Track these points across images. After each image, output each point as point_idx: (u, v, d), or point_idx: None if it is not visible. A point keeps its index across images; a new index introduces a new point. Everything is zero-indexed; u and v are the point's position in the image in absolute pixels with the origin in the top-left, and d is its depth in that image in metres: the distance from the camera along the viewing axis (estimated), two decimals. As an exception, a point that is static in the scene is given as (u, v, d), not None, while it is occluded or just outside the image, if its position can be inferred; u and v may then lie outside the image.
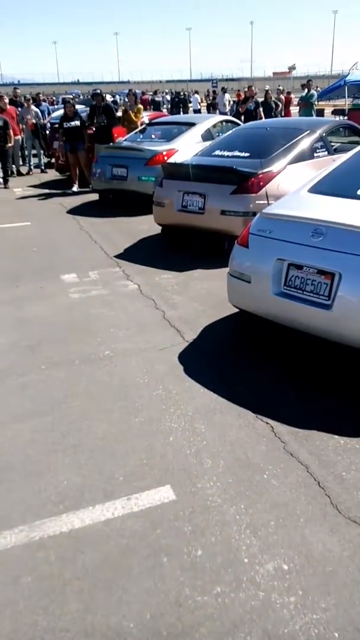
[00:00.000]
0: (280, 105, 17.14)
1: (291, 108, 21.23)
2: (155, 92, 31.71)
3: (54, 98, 31.10)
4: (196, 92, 32.42)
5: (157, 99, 28.76)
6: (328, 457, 2.72)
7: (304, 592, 2.00)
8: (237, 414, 3.13)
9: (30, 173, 13.08)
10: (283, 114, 17.83)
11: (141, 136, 9.85)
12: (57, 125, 13.14)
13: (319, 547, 2.19)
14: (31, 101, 14.07)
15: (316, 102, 15.82)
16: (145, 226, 7.53)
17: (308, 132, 6.42)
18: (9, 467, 2.75)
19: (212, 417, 3.12)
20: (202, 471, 2.66)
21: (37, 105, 14.63)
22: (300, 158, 6.13)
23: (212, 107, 24.59)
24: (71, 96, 26.38)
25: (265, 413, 3.11)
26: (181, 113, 25.24)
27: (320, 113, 18.86)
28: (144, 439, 2.93)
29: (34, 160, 13.43)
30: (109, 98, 15.72)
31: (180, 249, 6.50)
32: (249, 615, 1.92)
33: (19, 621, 1.94)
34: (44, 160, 13.57)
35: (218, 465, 2.70)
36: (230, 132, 7.60)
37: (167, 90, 44.65)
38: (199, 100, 30.39)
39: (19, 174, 12.94)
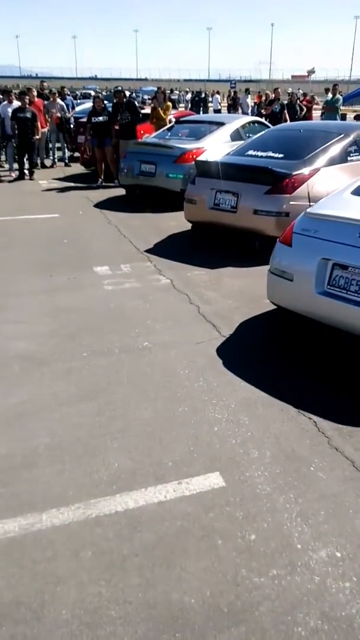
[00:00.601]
0: (305, 109, 17.17)
1: (313, 112, 21.19)
2: (171, 90, 31.79)
3: (76, 92, 31.22)
4: (217, 92, 32.44)
5: (173, 97, 28.83)
6: (372, 453, 2.79)
7: (358, 578, 2.07)
8: (279, 408, 3.19)
9: (55, 166, 13.18)
10: (305, 118, 17.82)
11: (169, 134, 9.93)
12: (82, 120, 13.32)
13: (369, 538, 2.25)
14: (57, 95, 14.18)
15: (341, 107, 15.81)
16: (174, 222, 7.60)
17: (342, 135, 6.46)
18: (60, 448, 2.84)
19: (255, 410, 3.19)
20: (249, 460, 2.73)
21: (62, 99, 14.73)
22: (334, 161, 6.18)
23: (232, 108, 24.63)
24: (93, 92, 26.56)
25: (307, 408, 3.17)
26: (201, 112, 25.31)
27: (343, 118, 18.87)
28: (189, 428, 3.01)
29: (58, 154, 13.54)
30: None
31: (209, 246, 6.57)
32: (306, 597, 1.99)
33: (83, 592, 2.02)
34: (68, 154, 13.68)
35: (265, 456, 2.77)
36: (263, 132, 7.66)
37: (187, 89, 44.74)
38: (219, 101, 30.44)
39: (43, 166, 13.04)
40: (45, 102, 13.43)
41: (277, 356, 3.87)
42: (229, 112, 24.62)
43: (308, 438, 2.91)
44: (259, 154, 6.60)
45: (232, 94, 26.76)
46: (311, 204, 4.75)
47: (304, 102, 20.80)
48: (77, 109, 15.96)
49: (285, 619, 1.92)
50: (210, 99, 29.34)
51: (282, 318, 4.29)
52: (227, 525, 2.33)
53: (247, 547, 2.21)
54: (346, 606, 1.96)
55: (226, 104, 28.91)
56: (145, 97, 32.95)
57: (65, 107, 13.84)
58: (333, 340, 3.89)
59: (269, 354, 3.90)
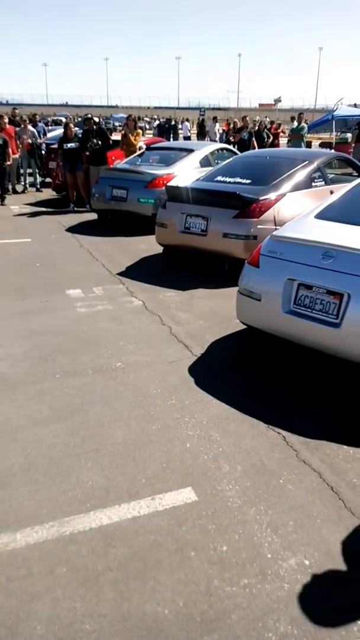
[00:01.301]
0: (272, 137, 17.72)
1: (280, 139, 21.85)
2: (139, 118, 32.35)
3: (48, 119, 31.50)
4: (187, 119, 33.20)
5: (140, 124, 29.33)
6: (339, 465, 2.89)
7: (326, 585, 2.14)
8: (249, 424, 3.28)
9: (26, 191, 13.25)
10: (273, 145, 18.36)
11: (139, 160, 10.13)
12: (53, 146, 13.47)
13: (336, 546, 2.34)
14: (28, 121, 14.35)
15: (306, 135, 16.36)
16: (145, 246, 7.73)
17: (307, 162, 6.73)
18: (34, 468, 2.86)
19: (226, 426, 3.27)
20: (220, 475, 2.80)
21: (34, 126, 14.89)
22: (299, 186, 6.42)
23: (200, 135, 25.19)
24: (64, 118, 26.85)
25: (276, 424, 3.27)
26: (171, 139, 25.81)
27: (308, 145, 19.50)
28: (162, 445, 3.07)
29: (29, 179, 13.63)
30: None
31: (180, 269, 6.70)
32: (276, 604, 2.06)
33: (58, 607, 2.04)
34: (40, 179, 13.78)
35: (235, 470, 2.84)
36: (231, 159, 7.89)
37: (155, 116, 45.54)
38: (189, 128, 31.11)
39: (15, 191, 13.09)
40: (17, 128, 13.57)
41: (247, 374, 3.97)
42: (197, 139, 25.21)
43: (277, 452, 3.00)
44: (228, 179, 6.81)
45: (201, 121, 27.43)
46: (277, 227, 4.92)
47: (271, 130, 21.52)
48: (49, 135, 16.15)
49: (256, 625, 1.97)
50: (180, 126, 29.97)
51: (251, 337, 4.41)
52: (199, 537, 2.38)
53: (219, 558, 2.27)
54: (314, 611, 2.03)
55: (195, 131, 29.60)
56: (117, 123, 33.48)
57: (36, 133, 13.98)
58: (300, 358, 4.02)
59: (239, 372, 4.00)
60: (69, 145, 10.57)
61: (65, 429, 3.22)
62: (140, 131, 12.15)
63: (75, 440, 3.11)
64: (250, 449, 3.03)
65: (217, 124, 23.39)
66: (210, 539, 2.38)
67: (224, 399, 3.56)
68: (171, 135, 27.64)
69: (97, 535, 2.40)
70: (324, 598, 2.08)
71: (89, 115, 11.76)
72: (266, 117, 39.08)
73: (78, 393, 3.65)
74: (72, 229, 9.09)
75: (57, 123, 27.61)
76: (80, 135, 10.91)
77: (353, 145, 15.90)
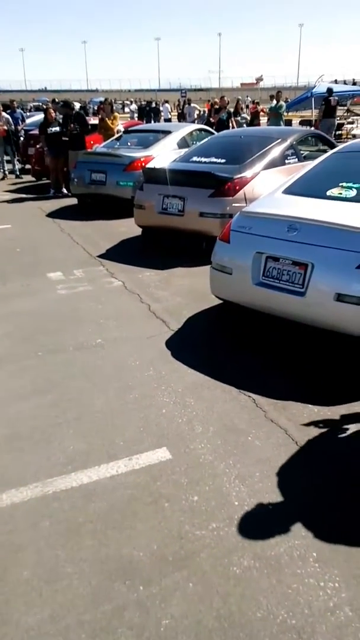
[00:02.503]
0: (249, 117, 17.82)
1: (261, 119, 21.88)
2: (114, 101, 32.03)
3: (27, 105, 31.15)
4: (166, 101, 32.98)
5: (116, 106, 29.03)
6: (303, 422, 3.09)
7: (287, 525, 2.35)
8: (222, 390, 3.48)
9: (5, 178, 13.25)
10: (255, 124, 18.42)
11: (118, 143, 10.19)
12: (32, 132, 13.45)
13: (298, 491, 2.54)
14: (1, 108, 14.28)
15: (285, 113, 16.43)
16: (124, 228, 7.85)
17: (280, 140, 6.87)
18: (18, 437, 3.03)
19: (200, 392, 3.46)
20: (193, 436, 3.00)
21: (12, 113, 14.82)
22: (272, 164, 6.57)
23: (182, 117, 25.11)
24: (42, 103, 26.61)
25: (247, 388, 3.47)
26: (152, 122, 25.70)
27: (288, 123, 19.56)
28: (139, 412, 3.25)
29: (7, 167, 13.62)
30: (77, 106, 15.94)
31: (159, 249, 6.85)
32: (241, 543, 2.26)
33: (41, 554, 2.24)
34: (19, 166, 13.77)
35: (208, 431, 3.04)
36: (206, 139, 8.01)
37: (132, 99, 45.02)
38: (169, 110, 30.95)
39: (-6, 179, 13.10)
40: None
41: (222, 345, 4.16)
42: (179, 120, 25.13)
43: (247, 413, 3.20)
44: (203, 159, 6.93)
45: (182, 103, 27.31)
46: (251, 204, 5.07)
47: (250, 109, 21.54)
48: (28, 121, 16.07)
49: (222, 561, 2.18)
50: (161, 108, 29.79)
51: (223, 311, 4.59)
52: (172, 490, 2.58)
53: (190, 507, 2.47)
54: (275, 547, 2.23)
55: (176, 113, 29.46)
56: (96, 108, 33.14)
57: (10, 120, 13.91)
58: (271, 327, 4.21)
59: (214, 344, 4.19)
60: (53, 129, 10.60)
61: (47, 402, 3.39)
62: (117, 115, 12.17)
63: (57, 411, 3.29)
64: (222, 412, 3.22)
65: (192, 104, 23.31)
66: (182, 491, 2.57)
67: (199, 369, 3.75)
68: (152, 118, 27.52)
69: (77, 492, 2.58)
70: (283, 535, 2.29)
71: (68, 100, 11.76)
72: (247, 96, 38.94)
73: (59, 369, 3.82)
74: (53, 214, 9.18)
75: (38, 109, 27.34)
76: (60, 120, 10.93)
77: (319, 121, 16.01)
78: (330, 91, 16.32)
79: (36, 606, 2.01)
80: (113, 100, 13.85)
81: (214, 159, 6.85)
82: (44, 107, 11.69)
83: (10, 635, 1.91)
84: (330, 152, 5.17)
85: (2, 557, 2.23)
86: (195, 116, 21.81)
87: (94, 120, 12.67)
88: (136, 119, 27.50)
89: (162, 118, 28.69)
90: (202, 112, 22.79)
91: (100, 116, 12.29)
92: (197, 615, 1.96)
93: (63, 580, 2.11)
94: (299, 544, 2.24)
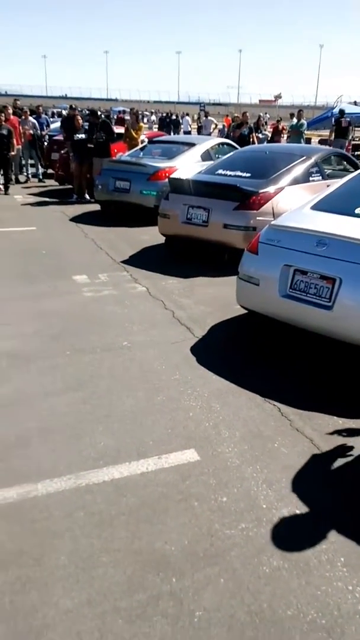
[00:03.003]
0: (269, 134, 18.07)
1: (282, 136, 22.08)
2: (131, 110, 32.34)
3: (51, 111, 31.63)
4: (187, 114, 33.34)
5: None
6: (329, 432, 3.17)
7: (314, 528, 2.42)
8: (247, 397, 3.56)
9: (29, 182, 13.47)
10: (275, 141, 18.61)
11: (142, 153, 10.37)
12: (56, 137, 13.69)
13: (324, 499, 2.62)
14: (29, 113, 14.56)
15: (305, 131, 16.62)
16: (147, 236, 7.98)
17: (305, 157, 7.00)
18: (50, 431, 3.12)
19: (226, 398, 3.54)
20: (220, 439, 3.08)
21: (38, 117, 15.10)
22: (297, 181, 6.69)
23: (201, 129, 25.36)
24: (64, 111, 27.00)
25: (272, 397, 3.55)
26: (172, 133, 25.98)
27: (308, 142, 19.76)
28: (167, 414, 3.34)
29: (31, 170, 13.85)
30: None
31: (182, 258, 6.96)
32: (269, 544, 2.34)
33: (77, 543, 2.32)
34: (42, 170, 13.99)
35: (234, 435, 3.12)
36: (231, 153, 8.15)
37: (152, 110, 45.50)
38: (189, 123, 31.29)
39: (17, 181, 13.31)
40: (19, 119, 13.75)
41: (246, 353, 4.25)
42: (198, 133, 25.40)
43: (273, 421, 3.28)
44: (228, 172, 7.06)
45: (202, 116, 27.60)
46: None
47: (271, 126, 21.74)
48: (52, 126, 16.33)
49: (252, 560, 2.25)
50: (181, 121, 30.12)
51: (249, 320, 4.68)
52: (202, 490, 2.66)
53: (219, 507, 2.55)
54: (303, 550, 2.31)
55: (196, 126, 29.78)
56: (116, 117, 33.56)
57: (37, 124, 14.17)
58: (295, 338, 4.29)
59: (238, 352, 4.28)
60: (79, 136, 10.81)
61: (77, 399, 3.49)
62: (142, 125, 12.39)
63: (87, 408, 3.38)
64: (247, 418, 3.31)
65: (210, 117, 23.55)
66: (211, 491, 2.65)
67: (224, 375, 3.83)
68: (172, 130, 27.82)
69: (109, 487, 2.67)
70: (311, 539, 2.36)
71: (94, 109, 12.01)
72: (266, 113, 39.26)
73: (88, 368, 3.92)
74: (76, 219, 9.33)
75: (59, 115, 27.72)
76: (86, 127, 11.14)
77: (332, 140, 16.32)
78: (342, 112, 17.05)
79: (74, 590, 2.09)
80: (137, 111, 14.04)
81: (239, 173, 6.97)
82: (71, 114, 11.87)
83: (50, 615, 1.99)
84: (358, 171, 5.27)
85: (40, 543, 2.32)
86: (212, 129, 22.00)
87: (118, 130, 12.89)
88: (155, 129, 27.80)
89: (182, 130, 29.02)
90: (222, 127, 23.02)
91: (125, 125, 12.48)
92: (230, 609, 2.03)
93: (99, 568, 2.19)
94: (326, 548, 2.31)
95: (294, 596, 2.09)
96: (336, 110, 20.27)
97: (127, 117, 24.21)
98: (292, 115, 18.13)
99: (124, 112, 30.72)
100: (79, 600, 2.05)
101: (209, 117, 23.47)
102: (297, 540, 2.36)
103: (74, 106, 12.46)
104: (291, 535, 2.38)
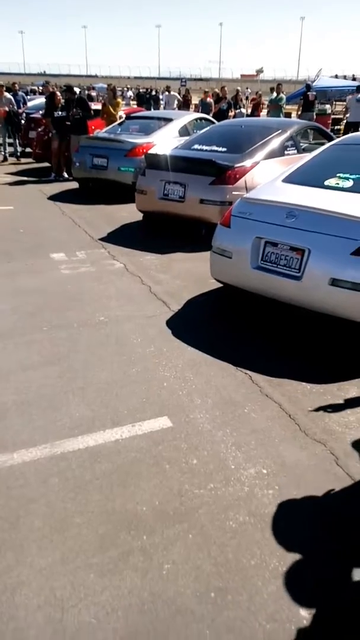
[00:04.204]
0: (244, 113, 18.03)
1: (261, 110, 21.92)
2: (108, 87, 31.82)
3: (27, 88, 30.97)
4: (168, 87, 32.81)
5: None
6: (297, 397, 3.28)
7: (279, 487, 2.54)
8: (220, 367, 3.66)
9: (6, 161, 13.29)
10: (255, 115, 18.53)
11: (119, 129, 10.28)
12: (33, 115, 13.50)
13: (291, 458, 2.74)
14: (4, 89, 14.28)
15: (284, 105, 16.55)
16: (125, 213, 7.98)
17: (280, 131, 7.02)
18: (27, 403, 3.20)
19: (199, 368, 3.63)
20: (193, 407, 3.18)
21: (14, 95, 14.82)
22: (272, 154, 6.72)
23: (183, 105, 25.03)
24: (40, 86, 26.52)
25: (244, 366, 3.65)
26: (152, 109, 25.62)
27: (287, 116, 19.68)
28: (141, 384, 3.42)
29: (9, 149, 13.66)
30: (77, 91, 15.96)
31: (160, 234, 6.99)
32: (237, 502, 2.45)
33: (51, 506, 2.41)
34: (20, 149, 13.80)
35: (206, 403, 3.22)
36: (208, 128, 8.13)
37: (129, 86, 44.65)
38: (178, 98, 30.77)
39: (-5, 161, 13.14)
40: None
41: (220, 325, 4.33)
42: (179, 109, 25.08)
43: (244, 388, 3.39)
44: (204, 147, 7.07)
45: (183, 92, 27.19)
46: (250, 192, 5.23)
47: (251, 100, 21.57)
48: (29, 104, 16.07)
49: (219, 517, 2.36)
50: (161, 97, 29.68)
51: (223, 293, 4.76)
52: (173, 454, 2.76)
53: (189, 469, 2.65)
54: (268, 506, 2.42)
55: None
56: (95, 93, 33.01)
57: (13, 100, 13.91)
58: (267, 309, 4.38)
59: (212, 324, 4.36)
60: (59, 113, 10.68)
61: (54, 372, 3.56)
62: (119, 101, 12.24)
63: (63, 381, 3.46)
64: (220, 386, 3.41)
65: (172, 93, 23.16)
66: (182, 455, 2.75)
67: (198, 347, 3.92)
68: (152, 106, 27.42)
69: (84, 454, 2.76)
70: (277, 495, 2.48)
71: (70, 85, 11.84)
72: (247, 88, 38.80)
73: (64, 343, 3.98)
74: (54, 197, 9.28)
75: (38, 92, 27.17)
76: (63, 104, 10.99)
77: (299, 114, 16.54)
78: (308, 87, 17.97)
79: (48, 549, 2.19)
80: (114, 87, 13.84)
81: (215, 148, 6.99)
82: (51, 90, 11.69)
83: (25, 573, 2.08)
84: (329, 144, 5.33)
85: (15, 508, 2.40)
86: (174, 105, 21.48)
87: (95, 106, 12.72)
88: (133, 105, 27.39)
89: (162, 106, 28.59)
90: (181, 102, 22.22)
91: (102, 102, 12.33)
92: (196, 561, 2.15)
93: (72, 529, 2.29)
94: (289, 503, 2.43)
95: (258, 547, 2.21)
96: (316, 84, 20.22)
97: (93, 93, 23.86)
98: (272, 90, 18.01)
99: (92, 88, 30.51)
100: (52, 559, 2.15)
101: (172, 93, 23.10)
102: (263, 498, 2.47)
103: (49, 82, 12.29)
104: (257, 493, 2.50)
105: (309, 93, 17.07)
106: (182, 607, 1.95)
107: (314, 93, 17.77)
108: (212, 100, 16.13)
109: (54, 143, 10.78)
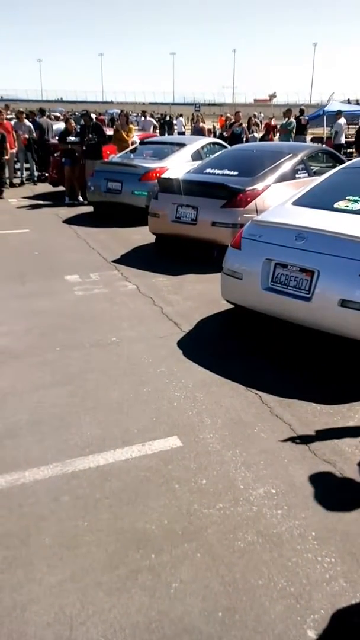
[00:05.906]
0: (257, 138, 18.34)
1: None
2: (129, 113, 32.62)
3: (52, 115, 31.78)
4: (181, 115, 33.49)
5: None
6: (307, 418, 3.29)
7: (288, 507, 2.54)
8: (230, 387, 3.68)
9: (23, 185, 13.59)
10: (266, 139, 18.76)
11: (132, 155, 10.50)
12: (55, 141, 13.82)
13: (300, 478, 2.74)
14: (24, 115, 14.67)
15: (294, 130, 16.72)
16: (139, 236, 8.10)
17: (291, 155, 7.12)
18: (39, 422, 3.25)
19: (209, 389, 3.66)
20: (203, 427, 3.20)
21: (33, 121, 15.21)
22: (283, 178, 6.81)
23: (196, 131, 25.46)
24: (62, 114, 27.18)
25: (254, 386, 3.67)
26: (166, 134, 26.11)
27: (316, 141, 20.01)
28: (152, 404, 3.46)
29: (26, 174, 13.97)
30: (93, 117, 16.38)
31: (172, 256, 7.09)
32: (245, 522, 2.46)
33: (62, 525, 2.44)
34: (37, 173, 14.10)
35: (216, 423, 3.24)
36: (220, 152, 8.28)
37: (137, 112, 45.58)
38: (183, 123, 31.41)
39: (12, 185, 13.44)
40: (12, 122, 13.89)
41: (231, 346, 4.37)
42: (192, 134, 25.51)
43: (254, 408, 3.40)
44: (216, 171, 7.19)
45: (196, 117, 27.72)
46: (261, 215, 5.30)
47: (264, 125, 21.86)
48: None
49: (228, 536, 2.37)
50: (174, 122, 30.27)
51: (234, 314, 4.80)
52: (182, 474, 2.78)
53: (198, 488, 2.67)
54: (277, 526, 2.43)
55: (190, 127, 29.89)
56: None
57: (32, 127, 14.28)
58: (278, 330, 4.41)
59: (223, 345, 4.40)
60: (71, 139, 10.95)
61: (66, 392, 3.61)
62: (132, 127, 12.50)
63: (75, 400, 3.50)
64: (229, 407, 3.43)
65: (181, 118, 23.95)
66: (192, 474, 2.77)
67: (209, 367, 3.95)
68: (166, 131, 27.93)
69: (95, 472, 2.79)
70: (285, 515, 2.48)
71: (86, 111, 12.17)
72: (260, 112, 39.36)
73: (77, 363, 4.04)
74: (69, 221, 9.46)
75: (67, 119, 27.75)
76: (78, 130, 11.27)
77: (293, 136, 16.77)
78: (301, 111, 19.27)
79: (58, 567, 2.21)
80: (128, 113, 14.18)
81: (227, 171, 7.10)
82: (66, 117, 12.02)
83: (35, 591, 2.11)
84: (339, 167, 5.40)
85: (26, 525, 2.44)
86: (151, 131, 21.87)
87: (109, 131, 13.01)
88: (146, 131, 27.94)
89: (176, 131, 29.14)
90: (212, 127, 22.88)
91: (115, 127, 12.61)
92: (204, 580, 2.15)
93: (82, 547, 2.31)
94: (298, 524, 2.43)
95: (266, 567, 2.21)
96: (328, 108, 20.43)
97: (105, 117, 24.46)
98: (284, 115, 18.28)
99: (100, 114, 31.43)
100: (62, 577, 2.17)
101: (148, 118, 23.79)
102: (271, 518, 2.47)
103: (86, 111, 12.55)
104: (266, 513, 2.50)
105: (301, 117, 18.01)
106: (189, 626, 1.96)
107: (307, 118, 19.22)
108: (204, 125, 16.85)
109: (66, 168, 11.03)
